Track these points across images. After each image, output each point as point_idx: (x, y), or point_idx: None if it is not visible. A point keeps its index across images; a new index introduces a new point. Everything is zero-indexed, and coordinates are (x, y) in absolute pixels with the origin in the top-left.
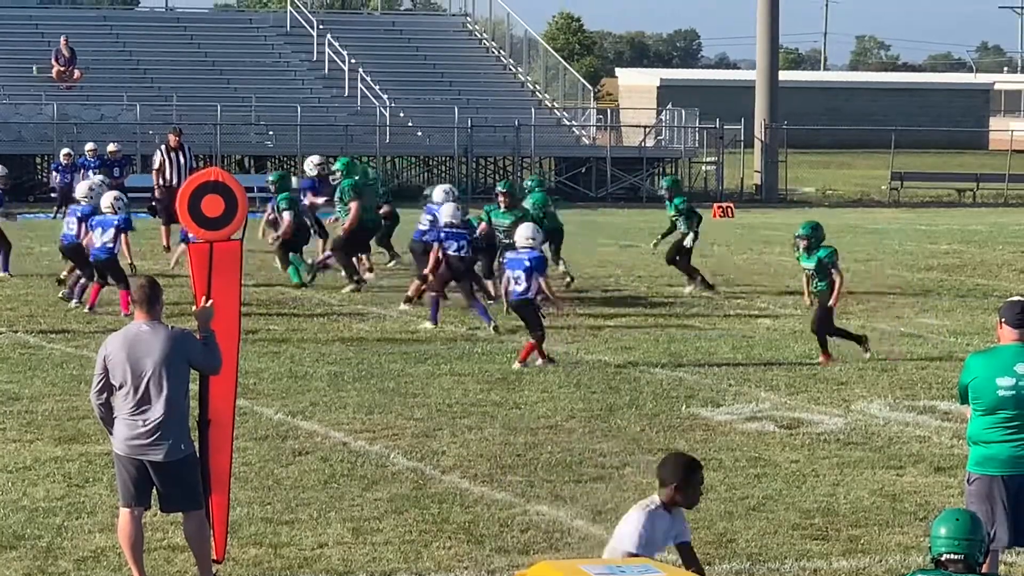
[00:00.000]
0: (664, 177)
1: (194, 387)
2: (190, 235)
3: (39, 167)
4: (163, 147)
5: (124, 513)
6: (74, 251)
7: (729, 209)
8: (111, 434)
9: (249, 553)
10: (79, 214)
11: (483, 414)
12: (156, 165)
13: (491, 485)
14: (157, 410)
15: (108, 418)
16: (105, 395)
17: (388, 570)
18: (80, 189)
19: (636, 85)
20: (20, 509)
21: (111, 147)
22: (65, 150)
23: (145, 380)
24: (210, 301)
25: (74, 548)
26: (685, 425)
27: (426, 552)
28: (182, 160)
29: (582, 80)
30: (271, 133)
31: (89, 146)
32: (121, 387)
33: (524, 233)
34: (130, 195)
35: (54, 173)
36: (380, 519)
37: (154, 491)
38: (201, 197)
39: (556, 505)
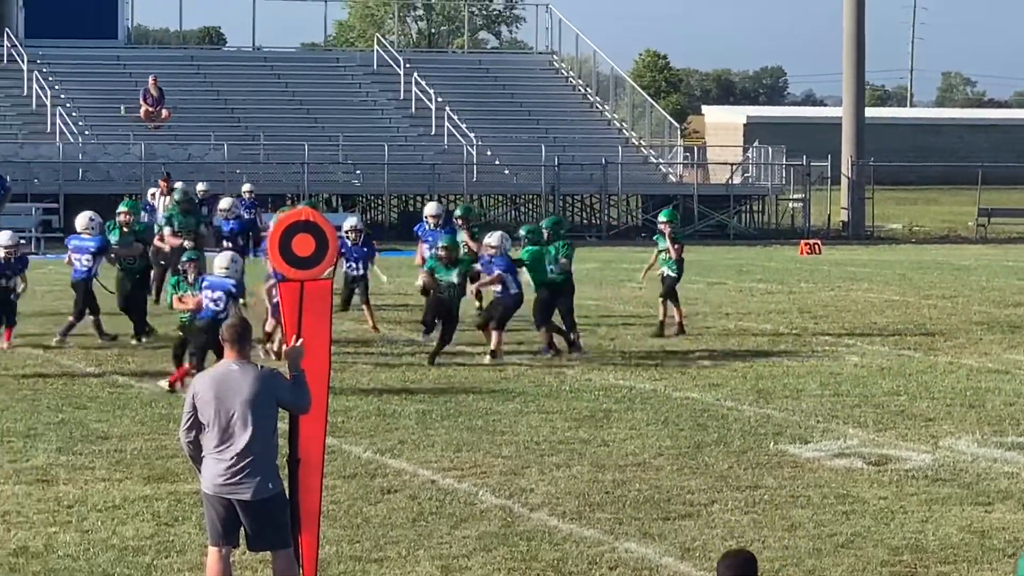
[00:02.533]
0: (663, 211)
1: (284, 426)
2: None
3: None
4: (156, 191)
5: (212, 552)
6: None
7: (816, 246)
8: (200, 472)
9: None
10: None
11: (571, 451)
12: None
13: (579, 522)
14: (245, 449)
15: (197, 456)
16: (194, 433)
17: None
18: (80, 221)
19: (722, 122)
20: (110, 548)
21: (200, 186)
22: (153, 190)
23: (233, 419)
24: (300, 340)
25: None
26: (773, 462)
27: None
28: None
29: (668, 118)
30: (358, 172)
31: (178, 185)
32: (209, 426)
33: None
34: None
35: (142, 213)
36: (469, 557)
37: (242, 530)
38: (292, 236)
39: (644, 542)
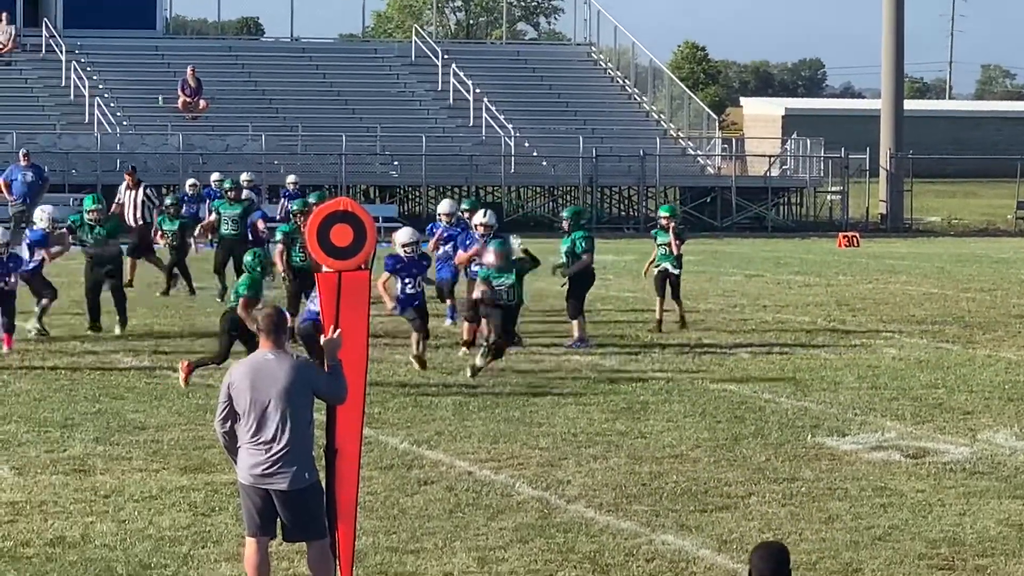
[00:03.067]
0: (664, 206)
1: (321, 416)
2: (322, 265)
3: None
4: (122, 186)
5: (250, 543)
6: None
7: (855, 239)
8: (235, 463)
9: None
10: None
11: (608, 443)
12: (116, 204)
13: (616, 514)
14: (281, 439)
15: (232, 447)
16: (229, 423)
17: None
18: (35, 213)
19: (761, 114)
20: (147, 538)
21: (244, 176)
22: (191, 180)
23: (269, 409)
24: (338, 331)
25: None
26: (810, 455)
27: None
28: (139, 199)
29: (707, 109)
30: (396, 163)
31: (215, 176)
32: (245, 415)
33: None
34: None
35: (182, 204)
36: (505, 548)
37: (278, 520)
38: (330, 227)
39: (682, 535)
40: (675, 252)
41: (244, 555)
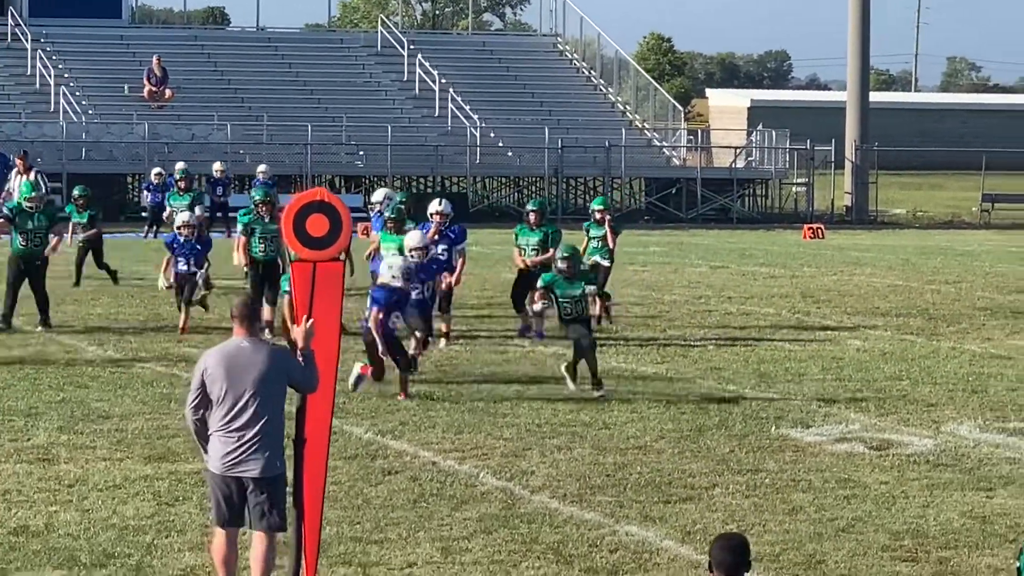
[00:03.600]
0: (597, 198)
1: (290, 407)
2: (292, 253)
3: (130, 186)
4: (12, 171)
5: (219, 533)
6: None
7: (820, 230)
8: (204, 450)
9: (338, 572)
10: None
11: (572, 434)
12: (5, 192)
13: (580, 505)
14: (255, 426)
15: (203, 434)
16: (201, 411)
17: None
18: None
19: (726, 106)
20: (110, 527)
21: (217, 165)
22: (156, 169)
23: (244, 396)
24: (311, 320)
25: (164, 567)
26: (774, 446)
27: (515, 572)
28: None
29: (672, 101)
30: (361, 153)
31: (179, 165)
32: (219, 402)
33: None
34: (231, 214)
35: (145, 192)
36: (469, 539)
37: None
38: (306, 217)
39: (645, 526)
40: (610, 246)
41: (213, 546)
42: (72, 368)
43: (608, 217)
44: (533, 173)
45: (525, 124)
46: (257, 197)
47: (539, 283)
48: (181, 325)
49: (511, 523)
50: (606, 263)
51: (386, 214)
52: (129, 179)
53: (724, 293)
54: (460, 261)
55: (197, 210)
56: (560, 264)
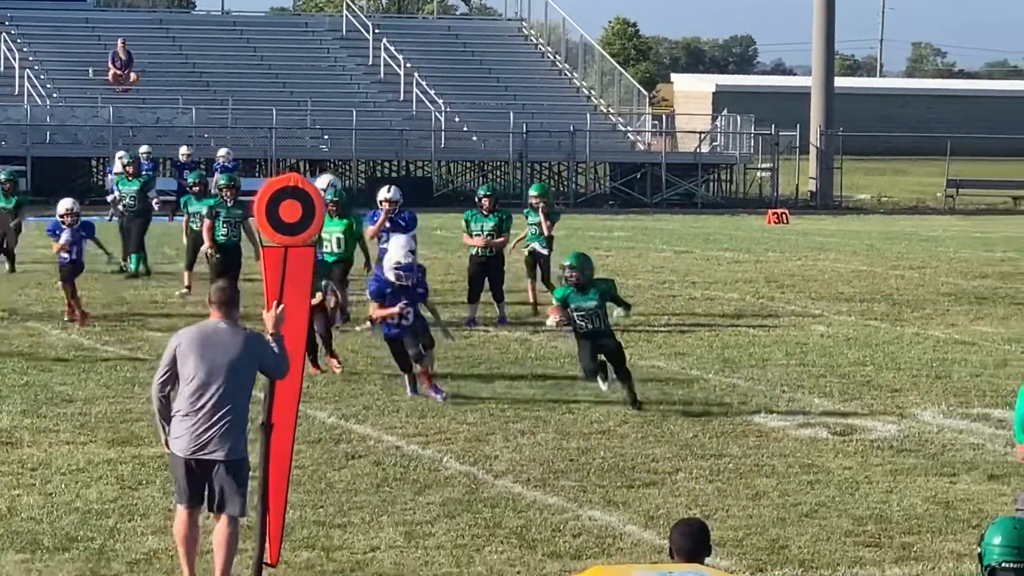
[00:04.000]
0: (535, 184)
1: (258, 391)
2: (264, 239)
3: (95, 170)
4: None
5: (181, 512)
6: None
7: (784, 215)
8: (164, 429)
9: (301, 556)
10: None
11: (536, 419)
12: None
13: (544, 490)
14: (223, 409)
15: (166, 412)
16: (168, 388)
17: (440, 574)
18: None
19: (691, 91)
20: (73, 511)
21: (184, 150)
22: (120, 153)
23: (214, 379)
24: (281, 306)
25: (127, 550)
26: (738, 431)
27: (478, 557)
28: None
29: (637, 86)
30: (326, 137)
31: (143, 149)
32: (187, 382)
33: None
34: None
35: (109, 176)
36: (432, 523)
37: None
38: (279, 202)
39: (609, 510)
40: (546, 233)
41: (174, 526)
42: (35, 352)
43: (543, 204)
44: (498, 158)
45: (490, 109)
46: (222, 182)
47: (553, 299)
48: (80, 314)
49: (475, 507)
50: (544, 251)
51: (327, 198)
52: (93, 163)
53: (688, 278)
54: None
55: (151, 194)
56: (565, 274)
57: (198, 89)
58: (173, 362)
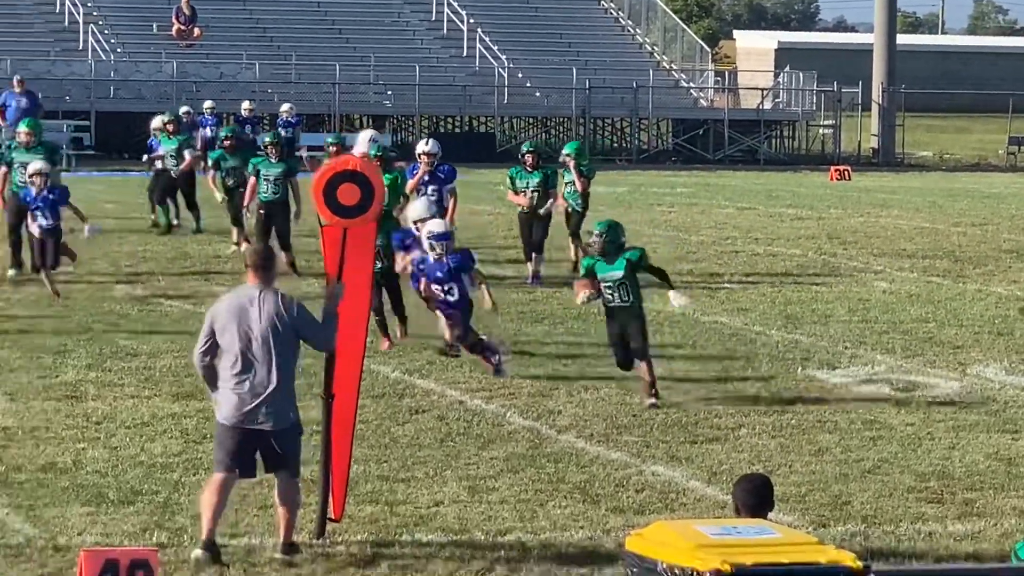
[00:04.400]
0: (569, 143)
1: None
2: (322, 220)
3: None
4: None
5: (216, 477)
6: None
7: (846, 172)
8: (213, 394)
9: (365, 511)
10: None
11: (599, 374)
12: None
13: (607, 445)
14: (267, 378)
15: (212, 381)
16: (209, 358)
17: (503, 529)
18: None
19: (754, 48)
20: (138, 464)
21: (246, 105)
22: (184, 108)
23: (255, 346)
24: (340, 284)
25: (191, 503)
26: (800, 387)
27: (541, 511)
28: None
29: (700, 42)
30: (389, 93)
31: (207, 104)
32: (228, 352)
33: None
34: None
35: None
36: (496, 478)
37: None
38: (337, 185)
39: (672, 466)
40: (580, 189)
41: (207, 486)
42: (101, 306)
43: (573, 162)
44: (560, 114)
45: (553, 64)
46: (266, 139)
47: (580, 270)
48: (52, 291)
49: (538, 462)
50: (578, 209)
51: (371, 153)
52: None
53: (751, 234)
54: (452, 201)
55: (187, 154)
56: (591, 240)
57: (262, 44)
58: (212, 332)
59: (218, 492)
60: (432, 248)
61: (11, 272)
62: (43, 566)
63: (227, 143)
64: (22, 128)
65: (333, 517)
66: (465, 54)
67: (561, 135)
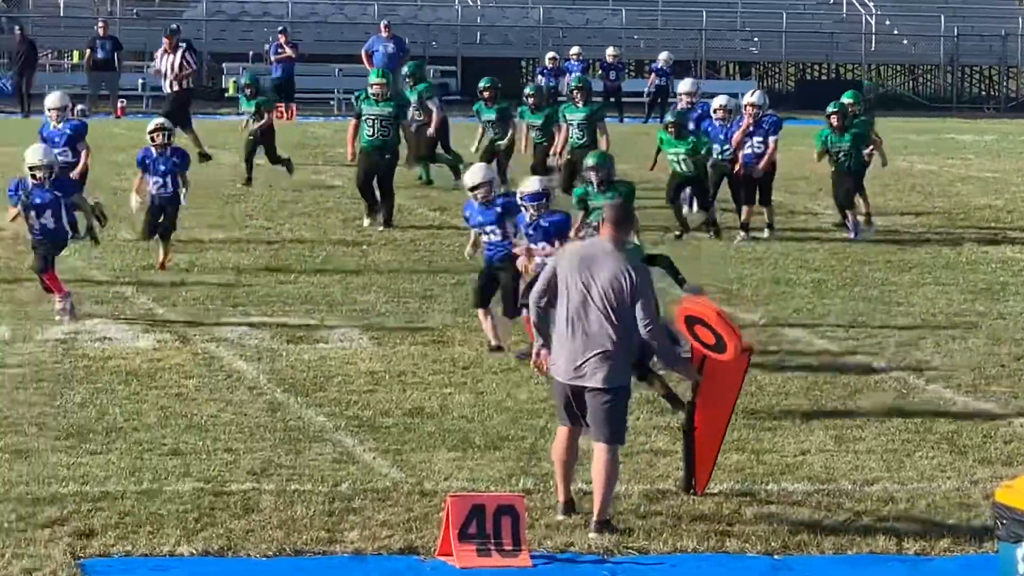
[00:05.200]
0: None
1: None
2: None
3: (524, 71)
4: (159, 51)
5: (561, 431)
6: None
7: None
8: (542, 339)
9: (731, 459)
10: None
11: (967, 324)
12: (152, 70)
13: (974, 395)
14: (600, 335)
15: (543, 327)
16: (545, 300)
17: (870, 479)
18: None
19: None
20: (504, 410)
21: (610, 51)
22: (551, 54)
23: (593, 301)
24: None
25: None
26: None
27: (908, 462)
28: (176, 63)
29: None
30: (756, 40)
31: (574, 50)
32: (565, 300)
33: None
34: (624, 99)
35: (539, 77)
36: (862, 428)
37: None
38: (693, 324)
39: None
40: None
41: (554, 443)
42: (464, 259)
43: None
44: (928, 61)
45: (921, 11)
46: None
47: (573, 198)
48: (160, 260)
49: (905, 412)
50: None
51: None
52: (523, 64)
53: None
54: (771, 150)
55: (267, 116)
56: (587, 174)
57: None
58: (553, 276)
59: (562, 446)
60: (525, 208)
61: (367, 221)
62: (409, 510)
63: (486, 94)
64: (374, 79)
65: (696, 492)
66: (832, 1)
67: (928, 83)
